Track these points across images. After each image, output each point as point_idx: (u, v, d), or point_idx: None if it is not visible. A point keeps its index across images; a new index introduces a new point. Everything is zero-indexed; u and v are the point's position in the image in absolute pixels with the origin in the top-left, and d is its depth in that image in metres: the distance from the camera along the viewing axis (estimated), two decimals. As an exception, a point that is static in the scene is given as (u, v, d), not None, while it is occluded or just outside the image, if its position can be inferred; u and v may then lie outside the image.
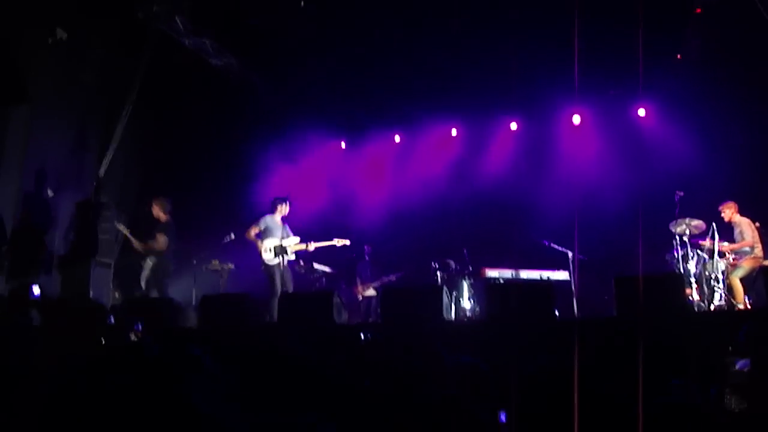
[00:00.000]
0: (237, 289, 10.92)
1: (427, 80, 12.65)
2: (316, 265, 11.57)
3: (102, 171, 11.62)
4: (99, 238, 10.94)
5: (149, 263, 10.30)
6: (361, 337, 5.79)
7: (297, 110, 13.60)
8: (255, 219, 10.57)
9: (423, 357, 4.77)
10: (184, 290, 11.08)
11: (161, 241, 10.25)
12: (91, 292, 10.47)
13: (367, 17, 11.47)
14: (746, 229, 10.06)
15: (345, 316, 8.28)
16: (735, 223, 10.21)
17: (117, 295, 11.38)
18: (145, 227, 10.79)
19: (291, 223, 10.76)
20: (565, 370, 3.38)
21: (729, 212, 10.18)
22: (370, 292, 12.15)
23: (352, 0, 11.29)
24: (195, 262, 11.30)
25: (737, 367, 3.09)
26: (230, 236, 11.22)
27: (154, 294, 10.05)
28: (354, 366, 4.57)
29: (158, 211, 10.47)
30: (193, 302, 10.32)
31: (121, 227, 10.68)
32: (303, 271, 11.37)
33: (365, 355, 5.43)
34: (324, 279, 11.87)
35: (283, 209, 10.53)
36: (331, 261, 12.02)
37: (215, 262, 11.39)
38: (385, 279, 12.02)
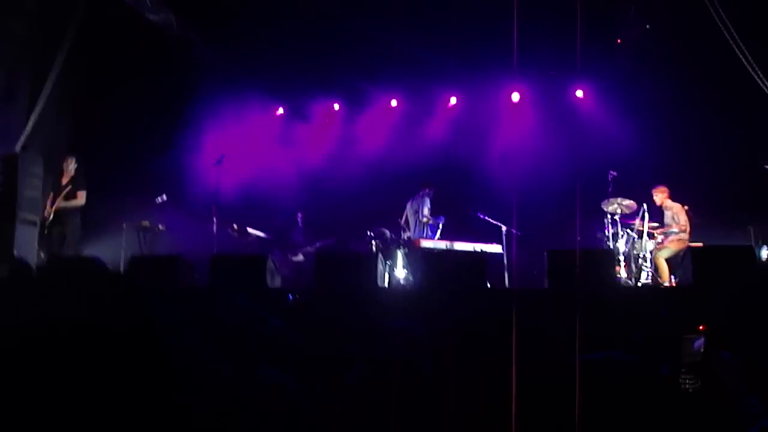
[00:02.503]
0: (170, 250, 10.68)
1: (369, 52, 12.58)
2: (249, 230, 11.38)
3: (30, 123, 11.13)
4: (25, 193, 10.50)
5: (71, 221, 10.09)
6: (288, 297, 5.69)
7: (236, 71, 13.35)
8: None
9: (356, 319, 4.74)
10: (113, 251, 10.76)
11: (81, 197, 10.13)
12: (15, 251, 10.07)
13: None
14: (679, 213, 10.36)
15: (278, 281, 8.15)
16: (667, 206, 10.50)
17: (42, 254, 10.98)
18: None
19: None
20: (499, 335, 3.40)
21: (661, 196, 10.48)
22: (299, 258, 12.09)
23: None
24: (125, 224, 10.95)
25: (694, 347, 3.11)
26: (162, 197, 10.94)
27: (71, 253, 9.82)
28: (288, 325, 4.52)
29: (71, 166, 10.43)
30: (122, 264, 10.01)
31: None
32: (236, 234, 11.18)
33: (296, 316, 5.36)
34: (257, 244, 11.70)
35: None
36: (266, 226, 11.88)
37: (145, 223, 11.04)
38: (315, 245, 11.99)
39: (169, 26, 12.52)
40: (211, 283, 7.72)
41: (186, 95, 12.92)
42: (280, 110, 14.50)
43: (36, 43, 11.71)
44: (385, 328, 4.48)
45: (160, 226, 11.02)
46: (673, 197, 10.69)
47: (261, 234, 11.60)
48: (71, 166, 10.65)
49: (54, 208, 10.24)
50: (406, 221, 11.45)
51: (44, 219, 10.30)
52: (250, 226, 11.43)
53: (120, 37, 12.34)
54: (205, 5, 12.11)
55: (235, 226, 10.79)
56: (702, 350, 3.06)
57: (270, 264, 7.89)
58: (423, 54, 12.20)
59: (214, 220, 9.69)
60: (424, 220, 11.13)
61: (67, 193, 10.38)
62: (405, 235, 11.21)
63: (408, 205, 11.56)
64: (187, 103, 12.84)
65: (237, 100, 13.18)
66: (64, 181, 10.59)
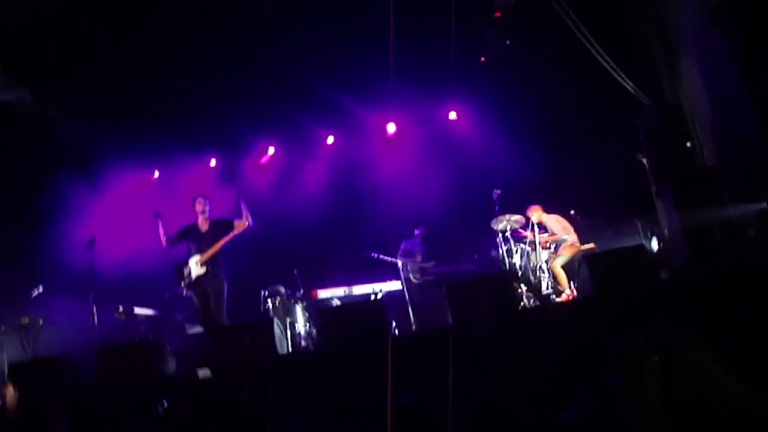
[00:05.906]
0: (53, 345, 9.93)
1: (238, 101, 12.25)
2: (137, 310, 10.52)
3: None
4: None
5: None
6: (162, 404, 5.15)
7: (102, 142, 12.63)
8: None
9: (249, 414, 4.41)
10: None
11: None
12: None
13: (169, 39, 10.91)
14: (553, 224, 10.54)
15: (173, 365, 7.62)
16: (544, 222, 10.61)
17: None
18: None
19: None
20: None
21: (536, 215, 10.53)
22: (196, 330, 11.38)
23: (150, 26, 10.70)
24: (2, 326, 10.11)
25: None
26: (38, 289, 10.19)
27: None
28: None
29: None
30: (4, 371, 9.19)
31: None
32: (124, 317, 10.35)
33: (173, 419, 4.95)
34: (149, 323, 10.84)
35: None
36: (155, 302, 11.10)
37: (25, 320, 10.20)
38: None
39: (24, 104, 11.84)
40: (99, 382, 7.17)
41: (50, 175, 12.15)
42: (156, 173, 13.91)
43: None
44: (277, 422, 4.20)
45: (41, 321, 10.22)
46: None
47: (150, 312, 10.78)
48: None
49: None
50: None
51: None
52: (137, 306, 10.61)
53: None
54: (59, 79, 11.43)
55: (120, 308, 10.03)
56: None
57: (166, 349, 7.45)
58: (296, 96, 12.02)
59: (94, 309, 8.96)
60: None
61: None
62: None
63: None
64: (53, 183, 12.06)
65: (107, 171, 12.50)
66: None
